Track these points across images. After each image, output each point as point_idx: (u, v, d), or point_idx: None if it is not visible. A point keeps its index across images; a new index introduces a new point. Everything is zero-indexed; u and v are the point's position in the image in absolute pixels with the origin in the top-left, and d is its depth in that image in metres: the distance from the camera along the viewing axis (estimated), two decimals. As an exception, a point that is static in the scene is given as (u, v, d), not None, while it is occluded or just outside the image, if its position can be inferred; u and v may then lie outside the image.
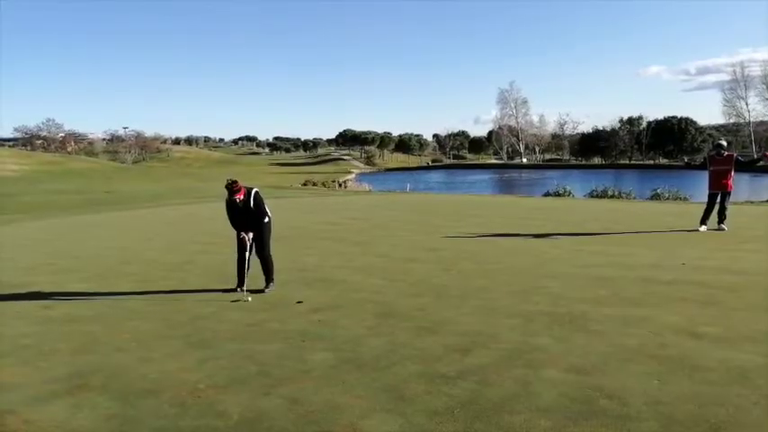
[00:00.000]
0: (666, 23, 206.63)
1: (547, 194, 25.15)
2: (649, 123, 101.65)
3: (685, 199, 21.71)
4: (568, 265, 8.49)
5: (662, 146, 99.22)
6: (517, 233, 12.05)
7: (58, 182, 47.67)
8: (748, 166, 13.28)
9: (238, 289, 7.16)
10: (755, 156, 16.12)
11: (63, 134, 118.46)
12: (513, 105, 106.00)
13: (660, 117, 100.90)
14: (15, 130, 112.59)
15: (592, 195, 24.03)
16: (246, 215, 7.18)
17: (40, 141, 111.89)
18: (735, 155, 11.91)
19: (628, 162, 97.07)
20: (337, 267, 8.85)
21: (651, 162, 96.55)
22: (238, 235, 7.26)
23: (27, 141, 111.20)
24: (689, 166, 12.98)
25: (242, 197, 7.11)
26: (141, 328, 5.82)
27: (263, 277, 7.38)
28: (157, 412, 3.86)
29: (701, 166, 12.35)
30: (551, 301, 6.35)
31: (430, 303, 6.50)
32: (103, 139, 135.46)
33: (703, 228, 11.54)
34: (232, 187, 7.06)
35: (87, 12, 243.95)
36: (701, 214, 11.86)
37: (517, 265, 8.65)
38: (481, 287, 7.22)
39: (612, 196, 23.01)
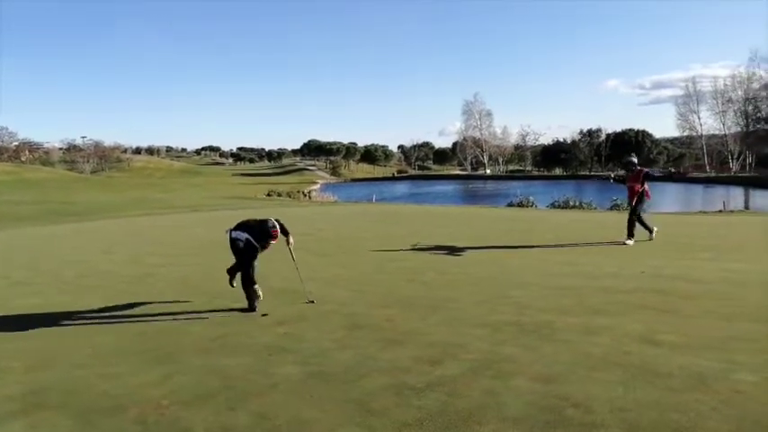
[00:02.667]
0: (623, 38, 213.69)
1: (510, 205, 25.56)
2: (608, 136, 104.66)
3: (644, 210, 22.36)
4: (533, 274, 8.61)
5: (620, 157, 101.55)
6: (482, 244, 12.17)
7: (12, 192, 46.05)
8: (661, 180, 13.58)
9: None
10: (671, 171, 15.98)
11: (17, 143, 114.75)
12: (477, 117, 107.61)
13: (618, 129, 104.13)
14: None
15: (554, 206, 24.52)
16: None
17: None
18: (644, 170, 11.95)
19: (588, 173, 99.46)
20: (304, 279, 8.76)
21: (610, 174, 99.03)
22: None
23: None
24: (615, 181, 12.97)
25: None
26: (101, 343, 5.65)
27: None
28: (120, 431, 3.74)
29: (622, 181, 12.38)
30: (517, 311, 6.42)
31: (397, 314, 6.49)
32: (60, 149, 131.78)
33: (629, 241, 11.45)
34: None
35: (43, 15, 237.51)
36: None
37: (482, 275, 8.73)
38: (447, 297, 7.25)
39: (574, 207, 23.52)
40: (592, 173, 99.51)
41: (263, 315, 6.59)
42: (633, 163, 12.04)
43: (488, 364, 4.78)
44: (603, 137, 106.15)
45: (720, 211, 21.45)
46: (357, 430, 3.66)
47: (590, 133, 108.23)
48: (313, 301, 7.11)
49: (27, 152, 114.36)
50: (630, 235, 11.54)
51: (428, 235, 14.08)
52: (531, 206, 24.88)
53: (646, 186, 11.68)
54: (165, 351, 5.36)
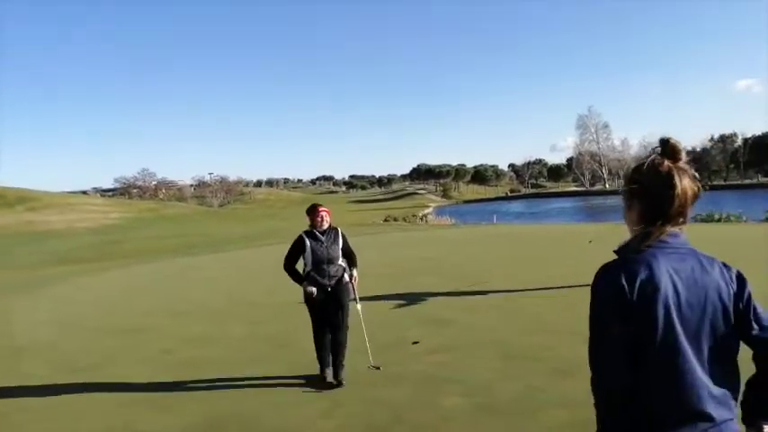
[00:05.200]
0: (752, 35, 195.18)
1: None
2: (746, 140, 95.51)
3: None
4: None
5: (761, 163, 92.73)
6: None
7: (155, 227, 50.60)
8: None
9: (326, 375, 5.35)
10: None
11: (155, 182, 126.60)
12: (593, 130, 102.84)
13: (758, 132, 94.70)
14: (115, 180, 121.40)
15: (695, 220, 22.52)
16: (329, 258, 5.34)
17: (135, 190, 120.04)
18: None
19: (723, 183, 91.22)
20: (445, 305, 8.62)
21: (752, 181, 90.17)
22: (310, 292, 5.31)
23: (124, 191, 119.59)
24: None
25: (326, 226, 5.43)
26: (266, 373, 5.82)
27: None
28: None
29: None
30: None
31: (555, 342, 6.13)
32: (191, 185, 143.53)
33: None
34: (316, 209, 5.47)
35: (165, 71, 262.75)
36: None
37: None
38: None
39: (719, 220, 21.47)
40: (727, 182, 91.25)
41: (414, 343, 6.50)
42: None
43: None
44: (740, 142, 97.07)
45: None
46: (549, 472, 3.40)
47: (723, 139, 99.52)
48: (379, 368, 5.62)
49: (164, 190, 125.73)
50: None
51: (564, 255, 13.40)
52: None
53: None
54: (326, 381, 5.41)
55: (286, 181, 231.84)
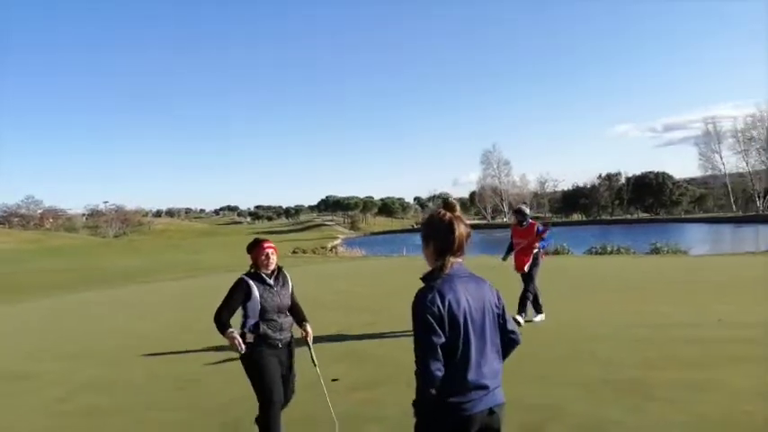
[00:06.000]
0: (625, 83, 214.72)
1: (546, 253, 24.97)
2: (629, 179, 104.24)
3: (685, 252, 21.79)
4: (602, 325, 8.21)
5: (642, 200, 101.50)
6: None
7: (41, 260, 46.58)
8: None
9: None
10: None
11: (41, 210, 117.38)
12: (495, 166, 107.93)
13: (638, 172, 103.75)
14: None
15: (591, 252, 24.01)
16: (280, 307, 4.30)
17: (17, 219, 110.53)
18: (537, 225, 8.92)
19: (609, 217, 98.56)
20: (361, 339, 8.45)
21: (634, 216, 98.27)
22: (261, 350, 4.16)
23: (4, 220, 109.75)
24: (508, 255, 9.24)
25: (273, 266, 4.33)
26: (170, 420, 5.35)
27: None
28: None
29: (510, 250, 9.20)
30: (603, 367, 6.03)
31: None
32: (83, 215, 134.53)
33: (519, 318, 8.41)
34: (260, 245, 4.31)
35: (58, 90, 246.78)
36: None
37: (551, 327, 8.35)
38: (523, 353, 6.85)
39: (612, 252, 23.00)
40: (613, 217, 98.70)
41: (334, 380, 6.25)
42: (524, 214, 9.09)
43: (597, 428, 4.39)
44: (623, 180, 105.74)
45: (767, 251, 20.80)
46: None
47: (609, 177, 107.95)
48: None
49: (51, 219, 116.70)
50: (523, 310, 8.60)
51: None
52: (568, 253, 24.38)
53: (539, 246, 8.85)
54: (240, 425, 5.05)
55: (188, 211, 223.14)
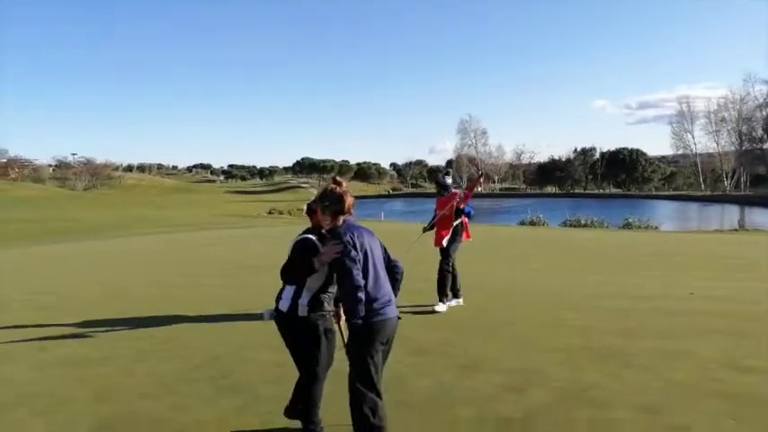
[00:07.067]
0: (606, 58, 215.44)
1: (522, 223, 25.49)
2: (603, 154, 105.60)
3: (655, 228, 22.37)
4: (578, 296, 8.45)
5: (615, 176, 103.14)
6: (514, 265, 12.02)
7: (7, 210, 45.43)
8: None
9: None
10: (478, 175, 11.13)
11: (5, 159, 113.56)
12: (472, 135, 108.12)
13: (612, 148, 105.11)
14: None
15: (566, 224, 24.47)
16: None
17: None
18: (458, 193, 7.76)
19: (583, 191, 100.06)
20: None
21: (607, 191, 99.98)
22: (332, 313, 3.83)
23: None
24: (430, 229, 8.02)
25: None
26: (159, 371, 5.37)
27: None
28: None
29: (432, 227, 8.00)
30: (582, 335, 6.23)
31: (459, 338, 6.27)
32: (50, 166, 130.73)
33: (441, 306, 7.49)
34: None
35: (33, 33, 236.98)
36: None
37: (528, 297, 8.55)
38: (503, 320, 7.06)
39: (586, 225, 23.47)
40: (586, 191, 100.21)
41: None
42: (445, 185, 7.99)
43: (577, 392, 4.57)
44: (598, 155, 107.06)
45: (737, 230, 21.48)
46: (473, 467, 3.43)
47: (584, 152, 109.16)
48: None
49: (17, 169, 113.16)
50: (444, 295, 7.61)
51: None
52: (544, 225, 24.81)
53: (465, 219, 7.83)
54: (230, 379, 5.10)
55: (160, 167, 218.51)
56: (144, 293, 9.55)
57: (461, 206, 7.68)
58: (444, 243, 7.59)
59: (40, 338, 6.71)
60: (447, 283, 7.59)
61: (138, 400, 4.65)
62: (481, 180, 7.65)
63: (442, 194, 7.90)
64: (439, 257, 7.77)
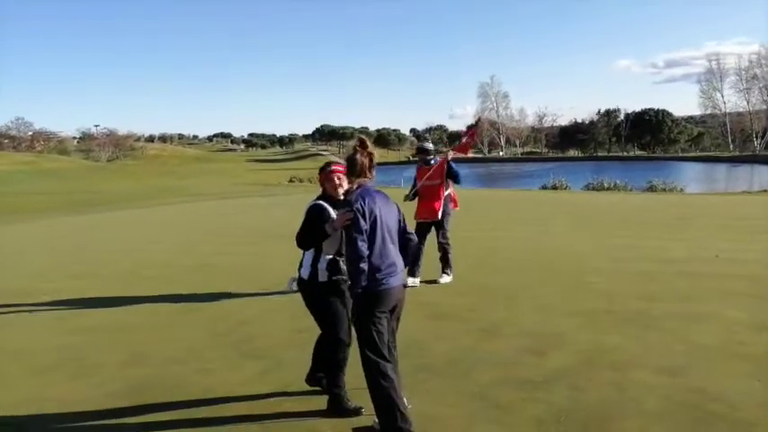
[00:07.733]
0: (633, 17, 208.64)
1: (545, 187, 25.20)
2: (627, 116, 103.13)
3: (681, 190, 21.97)
4: (601, 259, 8.39)
5: (639, 137, 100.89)
6: (537, 229, 11.94)
7: (33, 182, 46.37)
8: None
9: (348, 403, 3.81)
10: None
11: (32, 132, 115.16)
12: (493, 99, 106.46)
13: (637, 109, 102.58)
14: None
15: (589, 188, 24.16)
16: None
17: (6, 141, 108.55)
18: (448, 158, 7.34)
19: (607, 154, 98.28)
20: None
21: (631, 154, 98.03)
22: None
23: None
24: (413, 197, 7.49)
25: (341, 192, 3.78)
26: (187, 337, 5.52)
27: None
28: (235, 429, 3.60)
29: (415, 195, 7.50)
30: (605, 299, 6.21)
31: (478, 303, 6.30)
32: (74, 138, 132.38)
33: (412, 280, 7.00)
34: (330, 167, 3.89)
35: (55, 8, 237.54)
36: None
37: (550, 260, 8.51)
38: (524, 285, 7.06)
39: (609, 188, 23.14)
40: (610, 154, 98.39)
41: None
42: (428, 151, 7.65)
43: (598, 355, 4.58)
44: (622, 117, 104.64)
45: (766, 191, 20.98)
46: (494, 427, 3.49)
47: (608, 113, 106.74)
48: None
49: (42, 141, 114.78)
50: (449, 266, 7.40)
51: (473, 219, 13.82)
52: (566, 188, 24.53)
53: (452, 189, 7.52)
54: (254, 344, 5.22)
55: (181, 137, 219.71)
56: (173, 261, 9.75)
57: (462, 152, 8.11)
58: (439, 216, 7.23)
59: (74, 306, 6.95)
60: (449, 255, 7.36)
61: (166, 365, 4.80)
62: (478, 127, 7.19)
63: (425, 163, 7.45)
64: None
